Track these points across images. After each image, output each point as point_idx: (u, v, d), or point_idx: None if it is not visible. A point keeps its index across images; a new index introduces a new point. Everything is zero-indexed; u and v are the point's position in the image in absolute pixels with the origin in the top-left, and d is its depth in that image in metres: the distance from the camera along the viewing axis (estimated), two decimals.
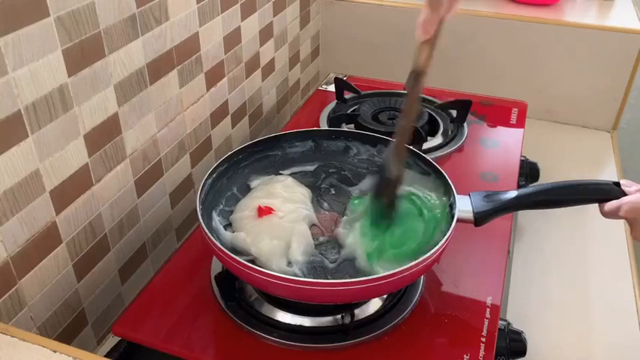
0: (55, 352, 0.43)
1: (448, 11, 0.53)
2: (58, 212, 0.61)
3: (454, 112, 0.97)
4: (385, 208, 0.65)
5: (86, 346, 0.70)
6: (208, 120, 0.87)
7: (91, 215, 0.66)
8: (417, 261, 0.56)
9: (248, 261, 0.57)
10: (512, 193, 0.65)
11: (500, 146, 0.93)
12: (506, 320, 0.65)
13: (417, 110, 0.60)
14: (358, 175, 0.78)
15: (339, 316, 0.60)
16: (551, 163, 1.00)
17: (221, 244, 0.59)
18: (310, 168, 0.78)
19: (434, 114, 0.98)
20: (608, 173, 1.06)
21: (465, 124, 0.96)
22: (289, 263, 0.63)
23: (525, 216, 0.93)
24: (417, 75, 0.57)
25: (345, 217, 0.70)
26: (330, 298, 0.58)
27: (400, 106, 0.98)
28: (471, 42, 1.19)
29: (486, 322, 0.62)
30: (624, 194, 0.63)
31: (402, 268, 0.56)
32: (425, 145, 0.89)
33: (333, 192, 0.76)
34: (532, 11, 1.18)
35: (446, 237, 0.60)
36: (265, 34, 1.01)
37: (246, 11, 0.93)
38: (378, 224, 0.65)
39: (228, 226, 0.69)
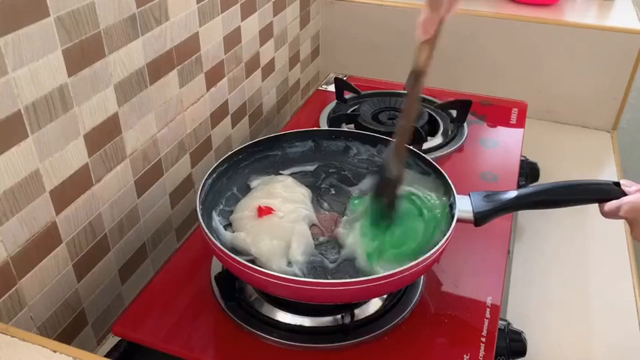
0: (55, 352, 0.43)
1: (448, 11, 0.53)
2: (58, 212, 0.61)
3: (454, 112, 0.97)
4: (385, 208, 0.65)
5: (86, 346, 0.70)
6: (208, 120, 0.87)
7: (91, 215, 0.66)
8: (417, 261, 0.56)
9: (248, 261, 0.57)
10: (513, 193, 0.65)
11: (500, 146, 0.93)
12: (506, 320, 0.65)
13: (417, 110, 0.60)
14: (358, 175, 0.78)
15: (339, 316, 0.60)
16: (551, 163, 1.00)
17: (221, 244, 0.59)
18: (310, 168, 0.78)
19: (434, 114, 0.98)
20: (608, 173, 1.06)
21: (465, 124, 0.96)
22: (289, 263, 0.63)
23: (525, 216, 0.93)
24: (417, 75, 0.57)
25: (345, 217, 0.70)
26: (330, 298, 0.58)
27: (400, 106, 0.98)
28: (471, 42, 1.19)
29: (486, 322, 0.62)
30: (624, 194, 0.63)
31: (402, 268, 0.56)
32: (425, 145, 0.89)
33: (333, 192, 0.76)
34: (532, 11, 1.18)
35: (446, 237, 0.60)
36: (265, 34, 1.01)
37: (246, 11, 0.93)
38: (378, 224, 0.65)
39: (228, 226, 0.69)
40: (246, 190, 0.74)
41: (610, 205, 0.62)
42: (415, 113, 0.63)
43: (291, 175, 0.77)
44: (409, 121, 0.63)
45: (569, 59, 1.15)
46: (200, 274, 0.68)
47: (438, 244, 0.59)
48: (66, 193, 0.61)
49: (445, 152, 0.90)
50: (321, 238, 0.68)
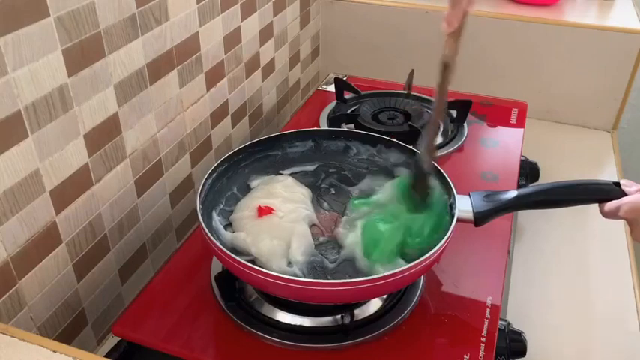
0: (55, 352, 0.43)
1: (470, 4, 0.56)
2: (58, 212, 0.61)
3: (454, 112, 0.97)
4: (420, 199, 0.66)
5: (86, 346, 0.70)
6: (208, 120, 0.87)
7: (91, 215, 0.66)
8: (417, 261, 0.56)
9: (248, 261, 0.57)
10: (513, 193, 0.65)
11: (500, 146, 0.93)
12: (506, 320, 0.65)
13: (445, 104, 0.64)
14: (358, 175, 0.78)
15: (339, 316, 0.60)
16: (551, 163, 1.00)
17: (221, 244, 0.59)
18: (310, 168, 0.78)
19: None
20: (608, 173, 1.06)
21: (465, 124, 0.96)
22: (289, 263, 0.63)
23: (525, 216, 0.93)
24: (444, 67, 0.59)
25: (345, 217, 0.70)
26: (330, 298, 0.58)
27: (400, 106, 0.98)
28: (471, 42, 1.18)
29: (486, 322, 0.62)
30: (624, 194, 0.63)
31: (402, 268, 0.56)
32: None
33: (333, 192, 0.76)
34: (532, 11, 1.18)
35: (446, 237, 0.59)
36: (265, 34, 1.01)
37: (246, 11, 0.93)
38: (415, 212, 0.66)
39: (228, 226, 0.69)
40: (246, 190, 0.74)
41: (610, 205, 0.62)
42: (444, 106, 0.65)
43: (291, 175, 0.77)
44: (439, 114, 0.64)
45: (569, 59, 1.15)
46: (200, 274, 0.68)
47: (437, 244, 0.59)
48: (66, 193, 0.61)
49: (445, 152, 0.90)
50: (321, 238, 0.68)
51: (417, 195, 0.66)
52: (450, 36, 0.58)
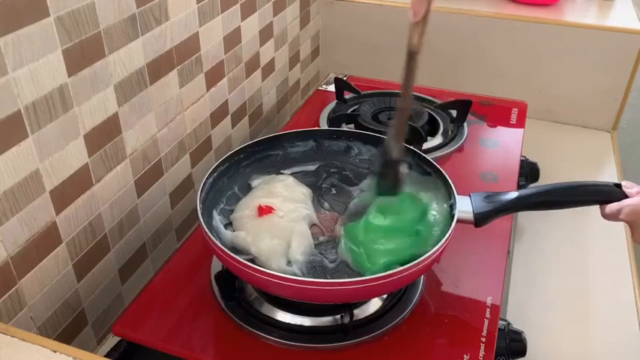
0: (55, 352, 0.43)
1: None
2: (58, 212, 0.61)
3: (454, 112, 0.97)
4: (390, 187, 0.66)
5: (86, 346, 0.70)
6: (208, 120, 0.87)
7: (91, 215, 0.66)
8: (417, 261, 0.56)
9: (248, 260, 0.57)
10: (513, 194, 0.65)
11: (500, 146, 0.93)
12: (506, 320, 0.65)
13: (412, 91, 0.64)
14: (359, 175, 0.78)
15: (338, 316, 0.60)
16: (551, 163, 1.00)
17: (221, 243, 0.59)
18: (311, 168, 0.78)
19: (434, 114, 0.98)
20: (608, 173, 1.06)
21: (465, 124, 0.96)
22: (289, 263, 0.63)
23: (525, 216, 0.93)
24: (411, 55, 0.59)
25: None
26: (330, 298, 0.58)
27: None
28: (471, 42, 1.19)
29: (486, 322, 0.62)
30: (625, 196, 0.62)
31: (401, 268, 0.56)
32: (425, 145, 0.89)
33: (334, 192, 0.76)
34: (532, 11, 1.18)
35: (446, 237, 0.59)
36: (265, 34, 1.01)
37: (246, 11, 0.93)
38: (385, 201, 0.66)
39: (229, 225, 0.69)
40: (247, 189, 0.74)
41: (611, 207, 0.62)
42: (411, 93, 0.65)
43: (292, 174, 0.76)
44: (407, 102, 0.64)
45: (569, 59, 1.15)
46: (200, 274, 0.68)
47: (437, 244, 0.59)
48: (66, 193, 0.61)
49: (445, 152, 0.90)
50: (321, 238, 0.68)
51: (386, 181, 0.67)
52: (415, 25, 0.59)
